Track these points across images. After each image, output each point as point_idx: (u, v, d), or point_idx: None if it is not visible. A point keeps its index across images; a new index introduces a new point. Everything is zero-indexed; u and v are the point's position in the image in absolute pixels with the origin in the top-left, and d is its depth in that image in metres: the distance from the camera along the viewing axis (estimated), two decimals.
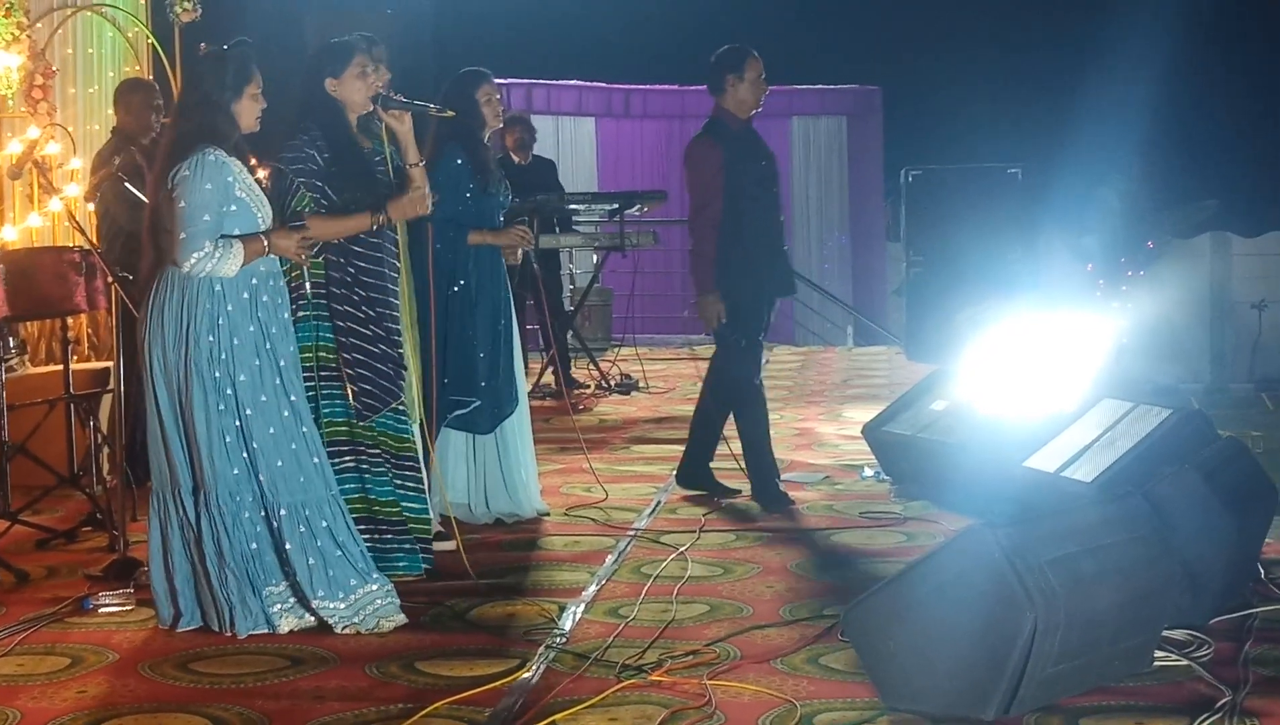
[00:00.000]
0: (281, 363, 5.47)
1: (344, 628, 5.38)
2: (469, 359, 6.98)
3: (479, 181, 7.05)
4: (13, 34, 9.05)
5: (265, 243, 5.42)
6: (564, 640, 5.28)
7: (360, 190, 5.99)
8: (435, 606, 5.72)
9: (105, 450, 7.48)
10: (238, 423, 5.36)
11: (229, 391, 5.35)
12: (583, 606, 5.73)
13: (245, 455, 5.38)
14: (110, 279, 6.51)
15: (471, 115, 7.03)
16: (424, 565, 6.15)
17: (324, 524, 5.46)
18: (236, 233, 5.37)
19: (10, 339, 6.80)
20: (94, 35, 10.75)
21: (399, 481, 6.19)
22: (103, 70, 10.79)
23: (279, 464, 5.41)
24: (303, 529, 5.43)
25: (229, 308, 5.37)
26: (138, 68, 10.98)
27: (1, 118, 9.52)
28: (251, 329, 5.41)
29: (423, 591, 5.90)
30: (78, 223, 6.89)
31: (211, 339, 5.34)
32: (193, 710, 4.65)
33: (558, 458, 8.99)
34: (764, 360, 7.85)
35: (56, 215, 8.93)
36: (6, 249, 7.14)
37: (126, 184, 7.73)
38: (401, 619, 5.47)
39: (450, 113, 6.51)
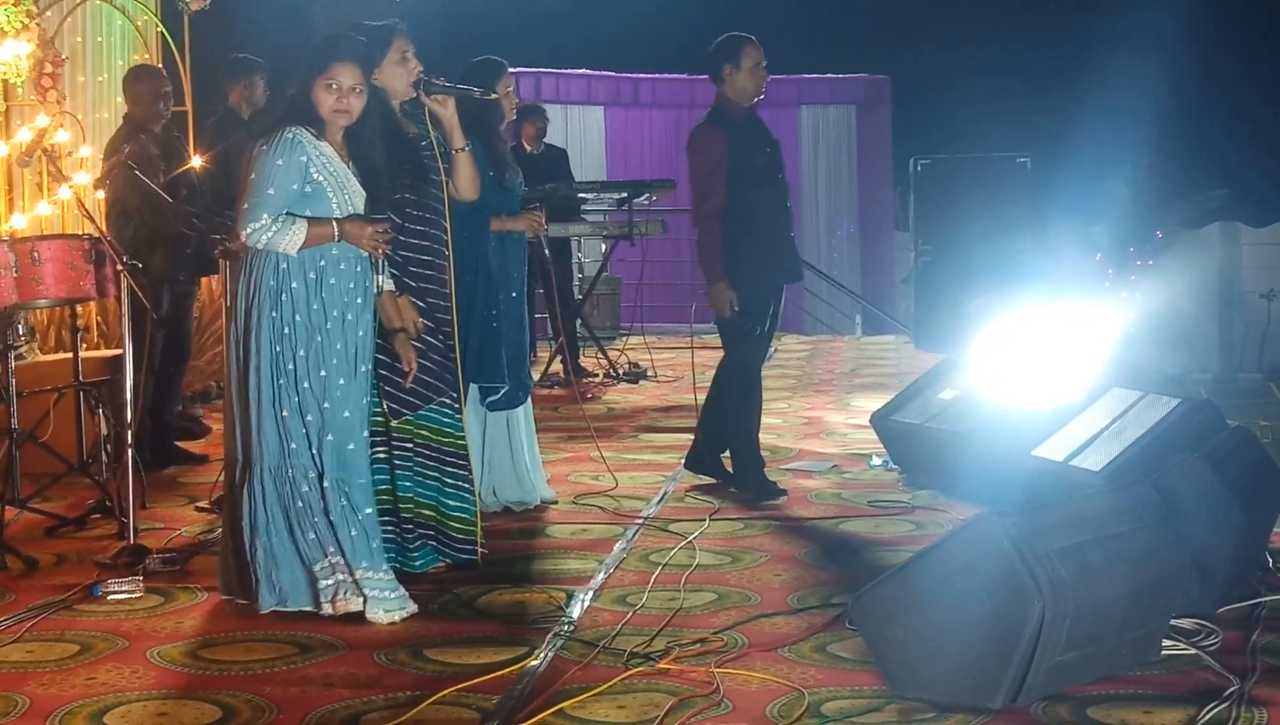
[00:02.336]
0: (339, 345, 5.45)
1: (378, 610, 5.39)
2: (494, 345, 6.96)
3: (495, 175, 7.00)
4: (22, 22, 9.05)
5: (335, 228, 5.42)
6: (572, 628, 5.29)
7: (406, 177, 5.94)
8: (443, 594, 5.73)
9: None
10: (296, 398, 5.39)
11: (290, 367, 5.38)
12: (591, 594, 5.74)
13: (302, 430, 5.40)
14: (120, 266, 6.51)
15: (491, 108, 7.00)
16: (465, 557, 6.12)
17: (355, 502, 5.47)
18: (307, 214, 5.38)
19: (20, 326, 6.81)
20: (103, 23, 10.76)
21: (442, 477, 6.13)
22: (112, 58, 10.80)
23: (329, 438, 5.42)
24: (343, 503, 5.44)
25: (293, 285, 5.39)
26: (147, 56, 10.98)
27: (11, 105, 9.53)
28: (315, 307, 5.41)
29: (431, 579, 5.92)
30: (87, 210, 6.89)
31: (275, 315, 5.37)
32: (201, 697, 4.66)
33: (566, 446, 9.00)
34: (771, 351, 7.82)
35: (66, 203, 8.94)
36: (16, 236, 7.14)
37: (136, 171, 7.74)
38: (412, 608, 5.47)
39: (494, 95, 6.47)
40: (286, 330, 5.38)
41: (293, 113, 5.47)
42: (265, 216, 5.32)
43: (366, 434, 5.60)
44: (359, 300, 5.55)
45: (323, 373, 5.42)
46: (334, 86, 5.46)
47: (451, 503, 6.13)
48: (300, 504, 5.41)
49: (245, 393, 5.42)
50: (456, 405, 6.16)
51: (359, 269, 5.55)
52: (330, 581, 5.43)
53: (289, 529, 5.42)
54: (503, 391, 7.00)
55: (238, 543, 5.51)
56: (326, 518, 5.43)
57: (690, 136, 7.65)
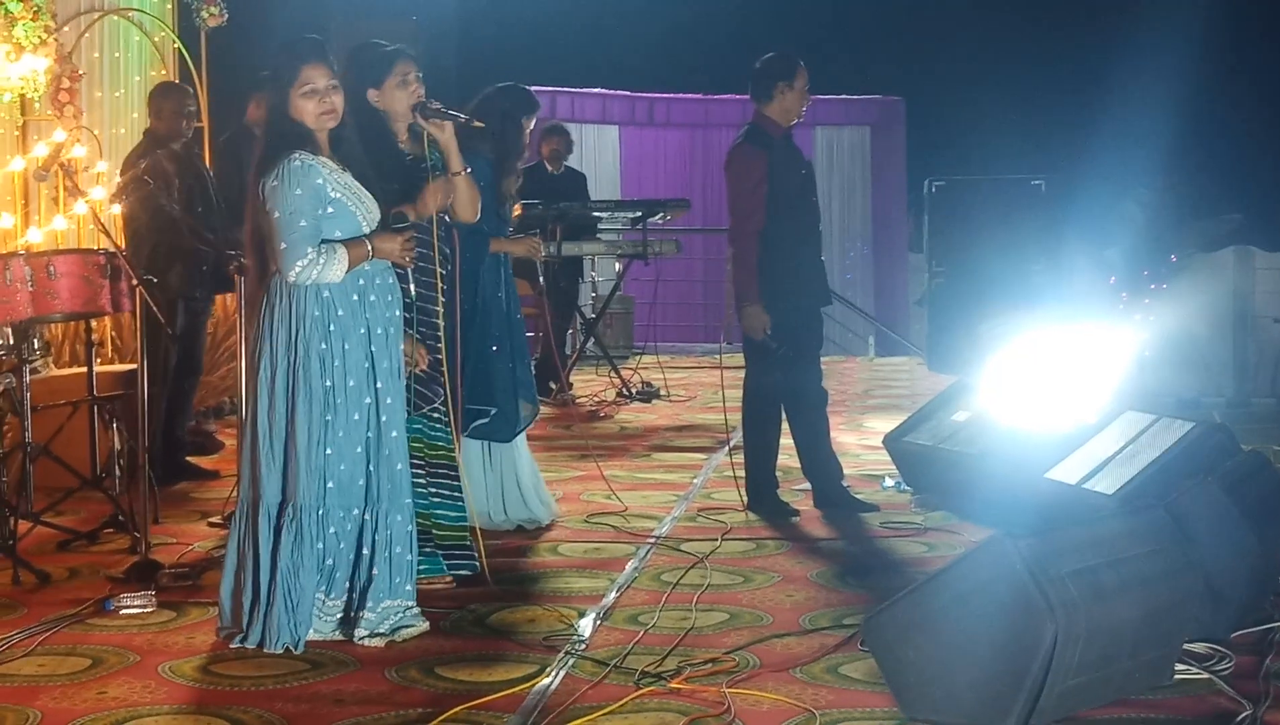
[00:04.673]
0: (384, 365, 5.40)
1: (363, 638, 5.34)
2: (486, 368, 6.96)
3: (496, 204, 7.02)
4: (40, 37, 9.08)
5: (369, 247, 5.35)
6: (584, 647, 5.29)
7: (393, 194, 5.94)
8: (455, 611, 5.73)
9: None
10: (342, 433, 5.30)
11: (338, 401, 5.29)
12: (603, 613, 5.74)
13: (343, 466, 5.31)
14: (135, 282, 6.53)
15: (511, 138, 7.03)
16: (463, 571, 6.16)
17: (391, 532, 5.39)
18: (338, 235, 5.30)
19: (35, 341, 6.82)
20: (120, 39, 10.79)
21: (433, 489, 6.17)
22: (129, 74, 10.84)
23: (371, 469, 5.37)
24: (376, 537, 5.37)
25: (339, 313, 5.31)
26: (164, 72, 11.02)
27: (28, 120, 9.56)
28: (362, 331, 5.35)
29: (443, 596, 5.91)
30: (103, 225, 6.91)
31: (324, 347, 5.27)
32: (212, 712, 4.67)
33: (578, 464, 8.99)
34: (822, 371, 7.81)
35: (82, 218, 8.96)
36: (32, 251, 7.16)
37: (152, 187, 7.76)
38: (424, 626, 5.46)
39: (479, 124, 6.45)
40: (336, 362, 5.29)
41: (282, 137, 5.35)
42: (310, 251, 5.21)
43: (406, 448, 5.55)
44: (395, 312, 5.51)
45: (368, 400, 5.35)
46: (312, 90, 5.35)
47: (450, 514, 6.21)
48: (321, 545, 5.31)
49: (292, 430, 5.27)
50: (445, 418, 6.19)
51: (390, 281, 5.51)
52: (317, 614, 5.37)
53: (314, 568, 5.29)
54: (491, 415, 6.97)
55: (255, 585, 5.32)
56: (350, 563, 5.36)
57: (729, 156, 7.62)
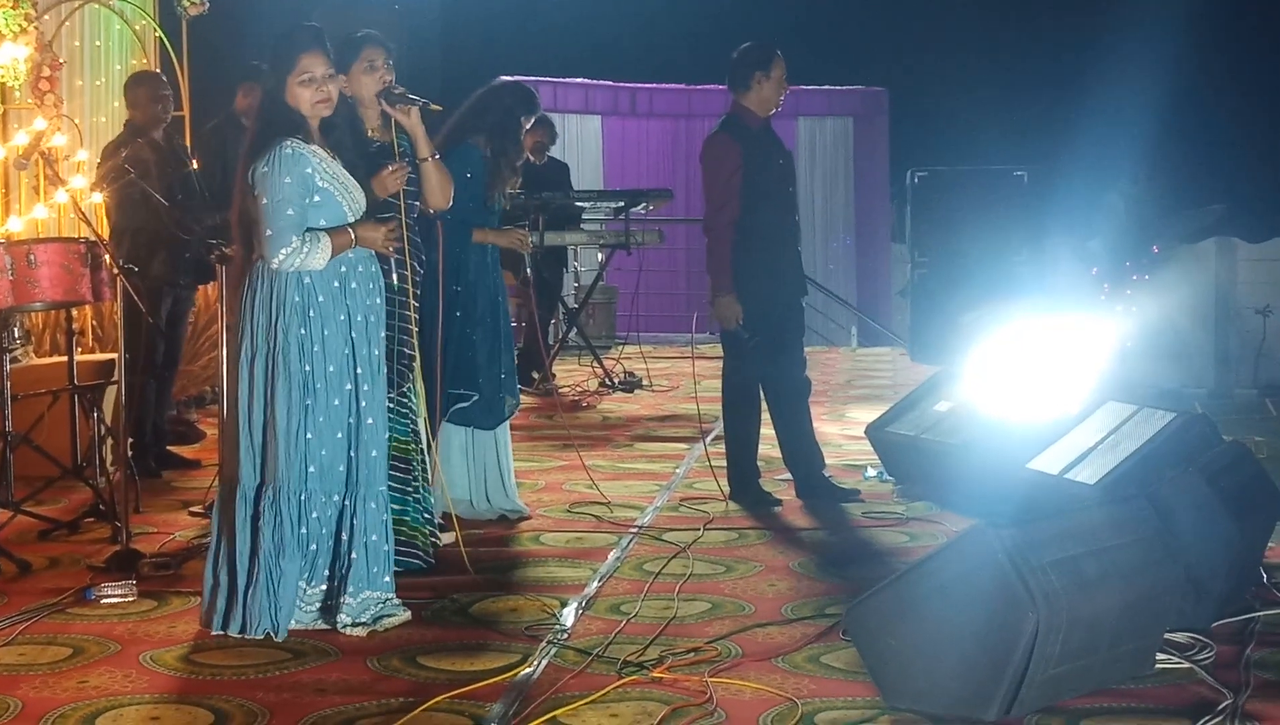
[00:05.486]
0: (363, 352, 5.40)
1: (345, 627, 5.33)
2: (468, 354, 6.97)
3: (487, 194, 7.02)
4: (20, 25, 9.04)
5: (352, 235, 5.35)
6: (566, 636, 5.29)
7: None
8: (437, 601, 5.72)
9: (109, 441, 7.49)
10: (322, 418, 5.30)
11: (318, 386, 5.29)
12: (585, 603, 5.73)
13: (324, 451, 5.31)
14: (116, 270, 6.51)
15: (510, 134, 7.03)
16: (414, 563, 6.14)
17: (367, 519, 5.40)
18: (322, 223, 5.30)
19: (15, 329, 6.80)
20: (101, 27, 10.76)
21: (405, 486, 6.15)
22: (110, 63, 10.80)
23: (351, 454, 5.37)
24: (355, 522, 5.38)
25: (319, 299, 5.31)
26: (145, 60, 10.99)
27: (8, 109, 9.52)
28: (341, 318, 5.35)
29: (425, 586, 5.90)
30: (83, 214, 6.89)
31: (303, 332, 5.27)
32: (194, 701, 4.66)
33: (561, 454, 8.98)
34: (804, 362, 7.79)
35: (62, 207, 8.93)
36: (13, 240, 7.13)
37: (133, 175, 7.73)
38: (406, 616, 5.45)
39: (437, 107, 6.38)
40: (316, 347, 5.29)
41: (275, 124, 5.35)
42: (294, 240, 5.22)
43: (386, 437, 5.57)
44: (377, 300, 5.51)
45: (348, 387, 5.35)
46: (310, 79, 5.36)
47: (394, 507, 6.16)
48: (304, 531, 5.31)
49: (271, 414, 5.27)
50: (405, 410, 6.17)
51: (373, 269, 5.52)
52: (301, 605, 5.37)
53: (296, 553, 5.29)
54: (473, 400, 6.97)
55: (231, 570, 5.34)
56: (330, 549, 5.36)
57: (705, 145, 7.61)
